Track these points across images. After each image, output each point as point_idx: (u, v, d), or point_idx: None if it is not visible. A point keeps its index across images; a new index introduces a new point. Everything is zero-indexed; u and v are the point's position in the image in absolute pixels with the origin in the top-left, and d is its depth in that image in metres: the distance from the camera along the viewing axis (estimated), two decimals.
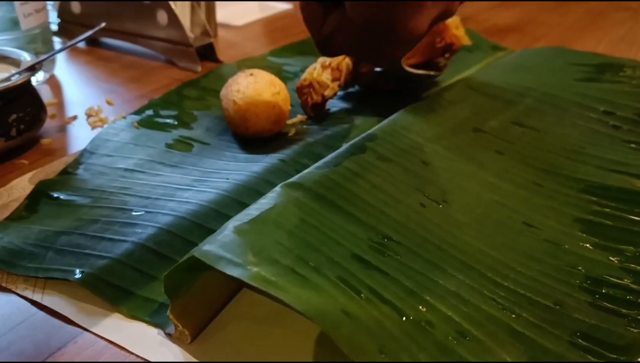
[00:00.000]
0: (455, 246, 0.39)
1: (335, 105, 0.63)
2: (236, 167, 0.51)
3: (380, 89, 0.63)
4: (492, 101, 0.61)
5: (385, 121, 0.54)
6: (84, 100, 0.66)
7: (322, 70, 0.59)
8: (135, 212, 0.44)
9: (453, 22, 0.61)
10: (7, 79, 0.51)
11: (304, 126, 0.58)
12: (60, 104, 0.65)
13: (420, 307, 0.33)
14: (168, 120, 0.60)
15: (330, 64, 0.59)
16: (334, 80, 0.59)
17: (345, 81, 0.60)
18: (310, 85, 0.58)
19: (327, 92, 0.59)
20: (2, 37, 0.65)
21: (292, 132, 0.57)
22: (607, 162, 0.52)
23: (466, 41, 0.63)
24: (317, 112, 0.60)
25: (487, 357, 0.32)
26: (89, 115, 0.61)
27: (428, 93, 0.61)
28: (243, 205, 0.44)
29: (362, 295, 0.32)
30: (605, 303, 0.37)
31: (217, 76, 0.71)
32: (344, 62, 0.60)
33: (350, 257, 0.35)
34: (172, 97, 0.66)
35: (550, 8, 1.04)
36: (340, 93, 0.64)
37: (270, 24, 0.95)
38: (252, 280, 0.31)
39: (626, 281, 0.39)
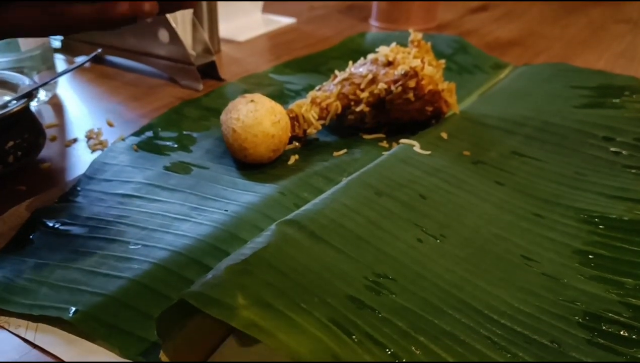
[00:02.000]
0: (452, 282, 0.39)
1: (332, 135, 0.62)
2: (234, 195, 0.51)
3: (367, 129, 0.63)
4: (491, 132, 0.61)
5: (384, 155, 0.53)
6: (85, 120, 0.66)
7: (310, 106, 0.59)
8: (132, 245, 0.44)
9: (449, 89, 0.61)
10: (4, 105, 0.51)
11: (302, 155, 0.58)
12: (61, 126, 0.65)
13: (414, 349, 0.33)
14: (167, 143, 0.60)
15: (320, 102, 0.59)
16: (319, 118, 0.59)
17: (331, 121, 0.60)
18: (296, 117, 0.58)
19: (310, 130, 0.59)
20: (2, 59, 0.65)
21: (291, 160, 0.56)
22: (608, 189, 0.52)
23: (456, 109, 0.63)
24: (295, 141, 0.60)
25: None
26: (89, 138, 0.61)
27: (427, 126, 0.61)
28: (240, 240, 0.44)
29: (354, 337, 0.32)
30: (603, 340, 0.37)
31: (218, 95, 0.71)
32: (334, 103, 0.59)
33: (344, 298, 0.35)
34: (172, 117, 0.66)
35: (551, 20, 1.04)
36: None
37: (274, 39, 0.95)
38: (241, 324, 0.31)
39: (625, 316, 0.38)
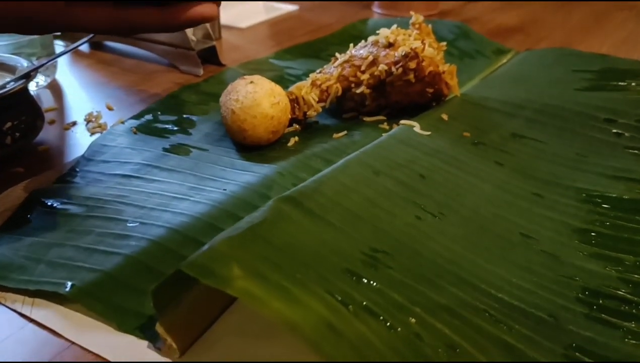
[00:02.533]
0: (450, 259, 0.39)
1: (333, 117, 0.62)
2: (233, 175, 0.51)
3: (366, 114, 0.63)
4: (491, 114, 0.61)
5: (384, 136, 0.53)
6: (84, 105, 0.66)
7: (310, 89, 0.59)
8: (130, 223, 0.44)
9: (449, 71, 0.61)
10: (2, 86, 0.51)
11: (302, 137, 0.58)
12: (60, 109, 0.65)
13: (410, 320, 0.33)
14: (167, 126, 0.60)
15: (320, 85, 0.59)
16: (319, 100, 0.59)
17: (331, 103, 0.60)
18: (296, 99, 0.58)
19: (310, 112, 0.59)
20: (1, 42, 0.65)
21: (291, 142, 0.56)
22: (609, 169, 0.52)
23: (457, 91, 0.63)
24: (294, 123, 0.60)
25: None
26: (88, 121, 0.61)
27: (428, 109, 0.61)
28: (237, 219, 0.43)
29: (350, 307, 0.32)
30: (601, 314, 0.36)
31: (218, 81, 0.71)
32: (334, 86, 0.59)
33: (341, 272, 0.35)
34: (171, 101, 0.65)
35: (554, 8, 1.03)
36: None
37: (275, 26, 0.95)
38: (236, 293, 0.30)
39: (624, 291, 0.38)
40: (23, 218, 0.46)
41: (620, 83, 0.66)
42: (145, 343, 0.35)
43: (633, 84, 0.66)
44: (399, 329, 0.32)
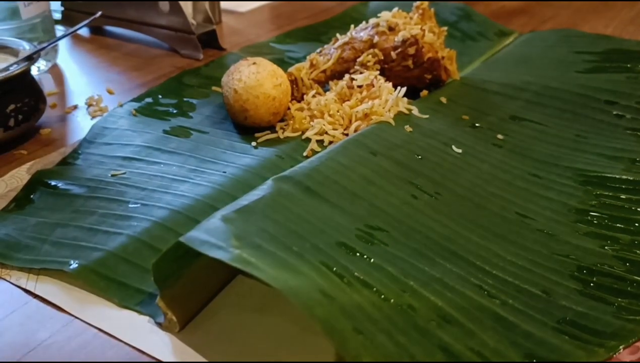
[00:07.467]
0: (445, 236, 0.40)
1: None
2: (233, 158, 0.51)
3: None
4: (491, 97, 0.61)
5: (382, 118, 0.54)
6: (85, 89, 0.67)
7: (310, 70, 0.59)
8: (132, 204, 0.45)
9: (449, 56, 0.61)
10: (5, 69, 0.51)
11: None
12: (61, 93, 0.65)
13: (403, 292, 0.34)
14: (167, 108, 0.60)
15: (319, 66, 0.60)
16: (318, 81, 0.59)
17: (326, 78, 0.60)
18: (295, 81, 0.58)
19: (308, 95, 0.59)
20: (2, 27, 0.65)
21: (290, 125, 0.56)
22: (609, 150, 0.52)
23: (456, 76, 0.63)
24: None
25: (468, 341, 0.32)
26: (89, 105, 0.62)
27: (427, 92, 0.61)
28: None
29: (344, 279, 0.32)
30: (595, 291, 0.37)
31: (218, 65, 0.71)
32: (331, 67, 0.60)
33: (336, 245, 0.35)
34: (172, 85, 0.66)
35: None
36: None
37: (276, 10, 0.95)
38: (233, 261, 0.31)
39: (618, 269, 0.39)
40: (27, 199, 0.46)
41: (623, 65, 0.66)
42: (146, 318, 0.36)
43: (636, 64, 0.66)
44: (392, 300, 0.32)
